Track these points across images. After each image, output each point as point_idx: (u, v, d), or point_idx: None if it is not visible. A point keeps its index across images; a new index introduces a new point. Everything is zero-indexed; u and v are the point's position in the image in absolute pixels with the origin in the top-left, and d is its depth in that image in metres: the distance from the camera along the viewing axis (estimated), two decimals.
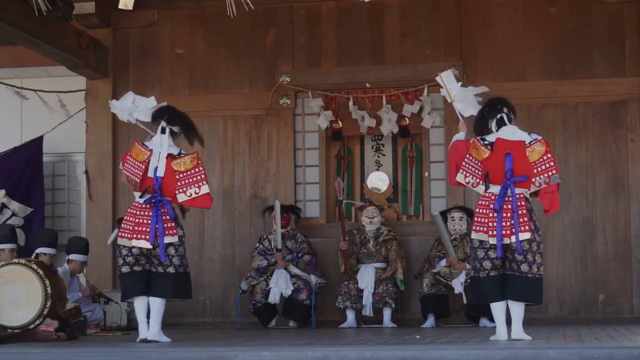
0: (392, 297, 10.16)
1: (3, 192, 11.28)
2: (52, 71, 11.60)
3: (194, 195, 7.55)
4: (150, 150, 7.61)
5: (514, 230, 7.01)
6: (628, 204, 10.49)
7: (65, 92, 11.44)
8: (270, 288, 10.25)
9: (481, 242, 7.15)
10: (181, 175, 7.56)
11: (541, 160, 7.13)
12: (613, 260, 10.46)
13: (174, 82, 11.30)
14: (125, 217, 7.64)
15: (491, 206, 7.08)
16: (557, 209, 7.32)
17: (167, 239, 7.54)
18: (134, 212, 7.57)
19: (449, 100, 7.71)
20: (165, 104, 8.02)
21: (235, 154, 11.14)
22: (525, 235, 7.03)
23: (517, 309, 7.12)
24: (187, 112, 10.98)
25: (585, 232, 10.53)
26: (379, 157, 11.29)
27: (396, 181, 11.25)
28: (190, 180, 7.56)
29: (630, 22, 10.61)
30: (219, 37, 11.23)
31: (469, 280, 9.64)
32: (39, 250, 9.81)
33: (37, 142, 11.52)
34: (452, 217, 10.21)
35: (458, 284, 9.85)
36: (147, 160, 7.57)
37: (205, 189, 7.57)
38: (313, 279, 10.30)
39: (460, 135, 7.57)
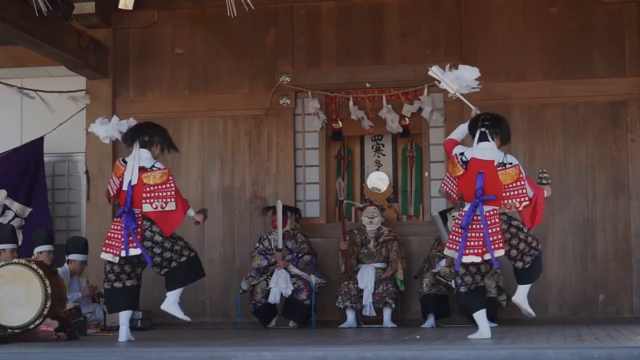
0: (392, 297, 10.16)
1: (4, 192, 11.28)
2: (52, 71, 11.60)
3: (159, 209, 7.75)
4: (124, 166, 7.86)
5: (486, 248, 7.25)
6: (628, 204, 10.49)
7: (66, 92, 11.44)
8: (270, 288, 10.25)
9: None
10: (149, 188, 7.76)
11: (514, 185, 7.34)
12: (613, 260, 10.46)
13: (174, 82, 11.31)
14: (107, 233, 7.90)
15: None
16: (540, 222, 7.53)
17: (132, 252, 7.72)
18: (112, 226, 7.87)
19: (451, 92, 7.74)
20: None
21: (235, 154, 11.14)
22: (499, 253, 7.29)
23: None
24: (187, 112, 11.12)
25: (585, 232, 10.53)
26: (379, 157, 11.29)
27: (396, 181, 11.25)
28: (159, 194, 7.77)
29: (630, 22, 10.61)
30: (219, 37, 11.23)
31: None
32: (36, 250, 9.86)
33: (38, 143, 11.52)
34: (454, 216, 10.17)
35: None
36: (122, 175, 7.82)
37: (171, 206, 7.76)
38: (313, 279, 10.30)
39: (457, 133, 7.74)
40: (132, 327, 8.17)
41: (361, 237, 10.49)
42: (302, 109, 11.14)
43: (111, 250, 7.75)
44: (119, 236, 7.72)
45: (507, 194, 7.33)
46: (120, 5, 9.21)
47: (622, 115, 10.59)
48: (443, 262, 10.11)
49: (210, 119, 11.18)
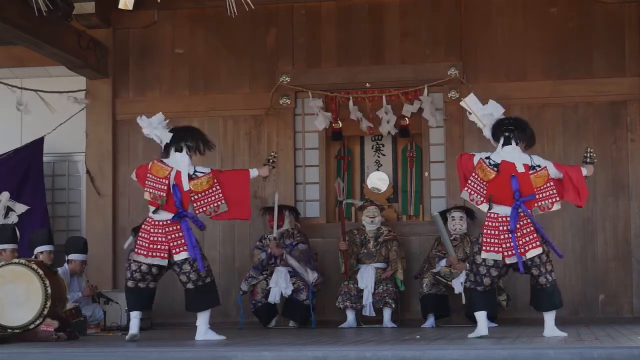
0: (392, 297, 10.16)
1: (7, 194, 11.27)
2: (52, 71, 11.59)
3: (212, 214, 7.90)
4: (171, 167, 7.82)
5: (526, 248, 7.44)
6: (628, 204, 10.49)
7: (66, 92, 11.44)
8: (270, 288, 10.24)
9: (484, 259, 7.53)
10: (198, 195, 7.83)
11: (545, 186, 7.52)
12: (613, 260, 10.46)
13: (174, 82, 11.31)
14: (140, 234, 7.87)
15: (501, 227, 7.46)
16: (587, 195, 7.73)
17: (183, 255, 7.77)
18: (149, 229, 7.82)
19: (480, 126, 7.81)
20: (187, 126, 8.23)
21: (235, 154, 11.13)
22: (537, 251, 7.47)
23: (548, 314, 7.74)
24: (187, 112, 11.11)
25: (585, 232, 10.54)
26: (379, 157, 11.29)
27: (396, 181, 11.25)
28: (208, 199, 7.87)
29: (630, 22, 10.61)
30: (219, 37, 11.23)
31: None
32: (36, 250, 9.86)
33: (38, 144, 11.51)
34: (452, 216, 10.21)
35: (458, 284, 9.84)
36: (168, 176, 7.78)
37: (223, 208, 7.89)
38: (310, 277, 10.24)
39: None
40: None
41: (361, 237, 10.49)
42: (302, 109, 11.14)
43: (158, 254, 7.74)
44: (164, 239, 7.72)
45: (540, 195, 7.49)
46: (120, 5, 9.20)
47: (622, 115, 10.59)
48: (443, 262, 10.11)
49: (210, 119, 11.18)
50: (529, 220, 7.44)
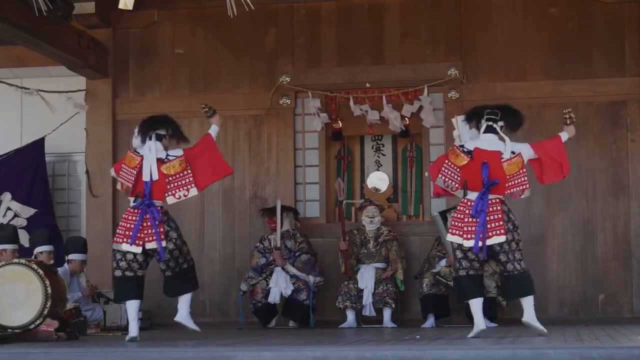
0: (392, 297, 10.16)
1: (9, 195, 11.27)
2: (52, 71, 11.59)
3: (182, 198, 7.92)
4: (141, 156, 7.88)
5: (489, 234, 7.42)
6: (628, 204, 10.49)
7: (66, 92, 11.43)
8: (270, 288, 10.25)
9: (459, 244, 7.55)
10: (171, 178, 7.88)
11: (517, 173, 7.54)
12: (613, 260, 10.46)
13: (174, 82, 11.31)
14: (120, 223, 7.97)
15: (466, 211, 7.50)
16: (569, 169, 7.77)
17: (153, 244, 7.80)
18: (127, 217, 7.92)
19: (457, 143, 7.85)
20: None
21: (235, 154, 11.13)
22: (500, 239, 7.43)
23: (525, 300, 7.56)
24: (187, 112, 11.11)
25: (585, 232, 10.54)
26: (379, 157, 11.30)
27: (396, 181, 11.25)
28: (180, 183, 7.89)
29: (630, 22, 10.61)
30: (219, 37, 11.23)
31: None
32: (36, 250, 9.86)
33: (39, 144, 11.51)
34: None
35: None
36: (137, 166, 7.85)
37: (194, 192, 7.92)
38: (311, 279, 10.28)
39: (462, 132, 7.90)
40: None
41: (361, 237, 10.49)
42: (302, 109, 11.14)
43: (127, 241, 7.79)
44: (139, 228, 7.77)
45: (512, 182, 7.52)
46: (120, 5, 9.21)
47: (622, 115, 10.60)
48: (443, 262, 10.11)
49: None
50: (498, 208, 7.43)
